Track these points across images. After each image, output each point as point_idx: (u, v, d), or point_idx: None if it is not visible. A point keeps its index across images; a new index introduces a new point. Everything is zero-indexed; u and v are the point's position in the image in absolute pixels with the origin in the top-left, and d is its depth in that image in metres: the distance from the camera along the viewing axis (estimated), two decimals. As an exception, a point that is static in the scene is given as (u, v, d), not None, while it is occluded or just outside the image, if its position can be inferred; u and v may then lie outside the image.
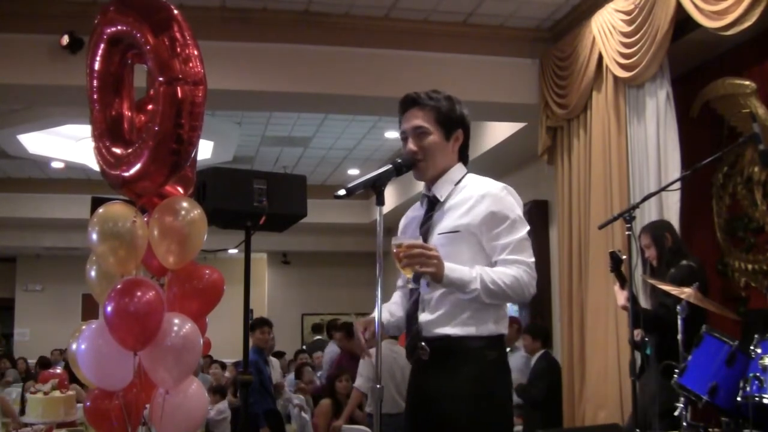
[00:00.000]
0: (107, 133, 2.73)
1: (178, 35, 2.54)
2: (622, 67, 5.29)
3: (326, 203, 9.27)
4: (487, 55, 6.37)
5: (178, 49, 2.52)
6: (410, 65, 6.18)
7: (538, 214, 7.79)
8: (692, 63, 5.41)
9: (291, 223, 4.11)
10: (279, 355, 9.20)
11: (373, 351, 2.27)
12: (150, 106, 2.61)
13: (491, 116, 7.18)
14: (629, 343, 3.85)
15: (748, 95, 4.91)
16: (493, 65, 6.40)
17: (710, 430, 3.59)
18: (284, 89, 6.21)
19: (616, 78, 5.43)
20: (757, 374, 3.30)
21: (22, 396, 7.40)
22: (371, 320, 2.43)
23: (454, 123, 2.56)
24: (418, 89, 2.60)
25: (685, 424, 3.54)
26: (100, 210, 2.66)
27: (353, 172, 11.40)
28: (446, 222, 2.49)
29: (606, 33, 5.45)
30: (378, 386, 2.19)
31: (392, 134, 9.33)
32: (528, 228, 2.47)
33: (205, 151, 9.09)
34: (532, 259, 2.43)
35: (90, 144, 2.87)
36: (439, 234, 2.48)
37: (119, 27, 2.65)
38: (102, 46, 2.72)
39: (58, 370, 4.78)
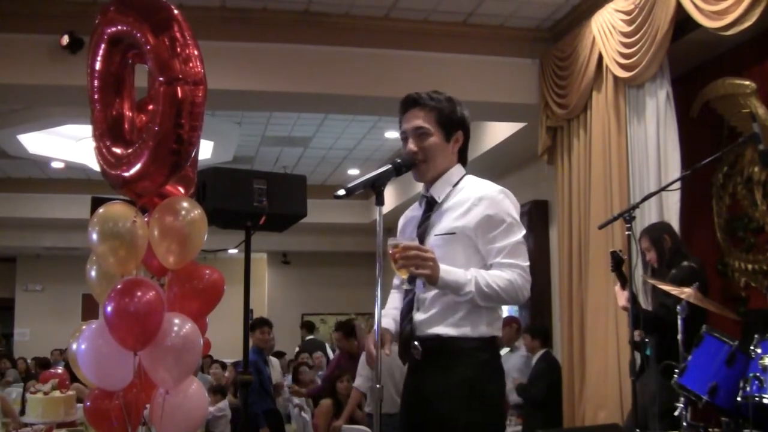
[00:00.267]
0: (108, 133, 2.74)
1: (178, 35, 2.54)
2: (622, 67, 5.29)
3: (326, 203, 9.27)
4: (487, 55, 6.37)
5: (178, 49, 2.53)
6: (410, 65, 6.18)
7: (538, 214, 7.79)
8: (692, 63, 5.41)
9: (291, 223, 4.11)
10: (279, 355, 9.19)
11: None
12: (150, 106, 2.61)
13: (491, 116, 7.18)
14: (629, 344, 3.85)
15: (748, 95, 4.91)
16: (493, 65, 6.40)
17: (710, 430, 3.59)
18: (284, 89, 6.21)
19: (616, 78, 5.43)
20: (757, 374, 3.30)
21: (23, 396, 7.40)
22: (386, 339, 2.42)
23: (455, 124, 2.56)
24: (418, 89, 2.59)
25: (685, 424, 3.54)
26: (101, 210, 2.66)
27: (353, 172, 11.39)
28: (443, 223, 2.49)
29: (606, 33, 5.45)
30: (378, 386, 2.19)
31: (392, 134, 9.33)
32: (524, 232, 2.47)
33: (205, 151, 9.09)
34: (527, 263, 2.44)
35: (90, 144, 2.88)
36: (436, 235, 2.48)
37: (119, 27, 2.65)
38: (102, 46, 2.73)
39: (59, 370, 4.77)
